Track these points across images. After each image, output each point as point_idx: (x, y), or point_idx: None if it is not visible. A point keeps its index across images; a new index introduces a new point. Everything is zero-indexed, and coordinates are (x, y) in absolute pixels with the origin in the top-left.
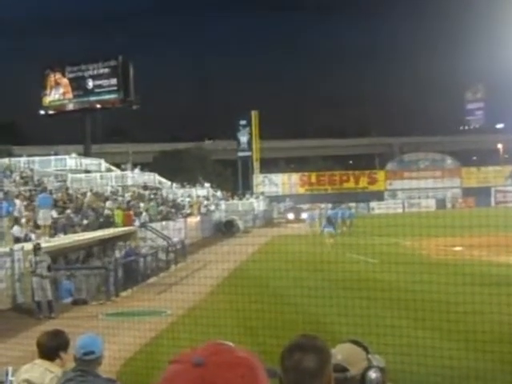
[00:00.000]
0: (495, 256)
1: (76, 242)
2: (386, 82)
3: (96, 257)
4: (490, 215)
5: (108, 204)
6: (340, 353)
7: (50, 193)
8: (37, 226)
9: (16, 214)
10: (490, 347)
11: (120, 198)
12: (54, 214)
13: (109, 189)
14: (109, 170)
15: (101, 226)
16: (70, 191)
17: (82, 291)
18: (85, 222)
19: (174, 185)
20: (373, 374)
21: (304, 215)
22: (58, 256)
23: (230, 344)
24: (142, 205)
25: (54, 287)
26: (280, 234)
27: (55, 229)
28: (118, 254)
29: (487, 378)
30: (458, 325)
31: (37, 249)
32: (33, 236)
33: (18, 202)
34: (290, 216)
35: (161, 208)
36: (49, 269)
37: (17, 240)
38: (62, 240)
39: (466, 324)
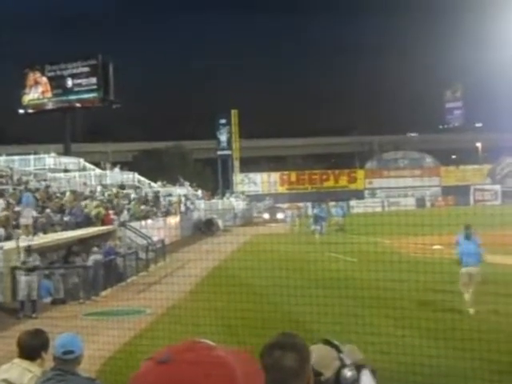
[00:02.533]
0: None
1: (56, 241)
2: (366, 81)
3: (75, 256)
4: (469, 214)
5: (87, 203)
6: (312, 356)
7: (32, 192)
8: (16, 226)
9: None
10: (469, 345)
11: (99, 197)
12: (34, 213)
13: (88, 188)
14: (83, 169)
15: (80, 226)
16: (51, 190)
17: (61, 291)
18: (65, 219)
19: (154, 184)
20: (348, 373)
21: (280, 215)
22: (39, 255)
23: (209, 343)
24: (121, 203)
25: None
26: (259, 232)
27: (35, 228)
28: (93, 256)
29: (467, 376)
30: (437, 323)
31: (27, 250)
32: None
33: (0, 201)
34: (266, 216)
35: (142, 207)
36: (36, 268)
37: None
38: (42, 239)
39: (445, 322)
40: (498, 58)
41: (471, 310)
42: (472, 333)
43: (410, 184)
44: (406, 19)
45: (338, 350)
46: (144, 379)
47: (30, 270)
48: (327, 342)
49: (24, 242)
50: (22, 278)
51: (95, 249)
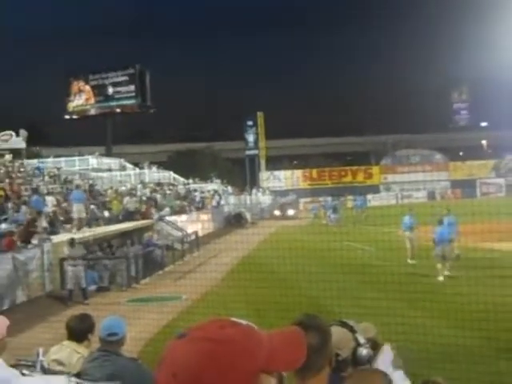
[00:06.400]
0: (480, 242)
1: (100, 234)
2: (380, 85)
3: (118, 247)
4: (475, 205)
5: (128, 199)
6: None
7: (79, 189)
8: (66, 221)
9: (49, 209)
10: (477, 325)
11: (139, 193)
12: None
13: (128, 185)
14: (124, 169)
15: (121, 220)
16: (96, 187)
17: (106, 279)
18: (107, 214)
19: (188, 181)
20: (363, 351)
21: (290, 212)
22: (84, 247)
23: (236, 320)
24: (160, 200)
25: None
26: (283, 225)
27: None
28: (133, 247)
29: (475, 354)
30: (447, 305)
31: (71, 243)
32: (61, 230)
33: (50, 198)
34: (277, 212)
35: (177, 202)
36: (83, 259)
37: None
38: (88, 232)
39: (455, 304)
40: (504, 61)
41: (409, 261)
42: (479, 314)
43: (421, 179)
44: (417, 22)
45: (353, 331)
46: (164, 351)
47: (74, 264)
48: (342, 323)
49: (71, 235)
50: (69, 269)
51: (135, 242)
